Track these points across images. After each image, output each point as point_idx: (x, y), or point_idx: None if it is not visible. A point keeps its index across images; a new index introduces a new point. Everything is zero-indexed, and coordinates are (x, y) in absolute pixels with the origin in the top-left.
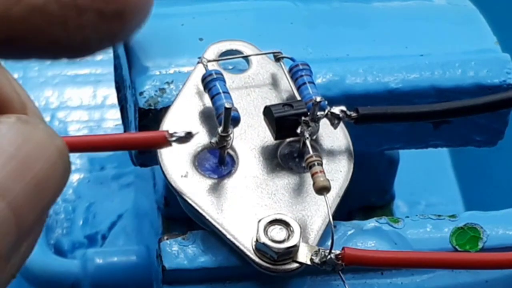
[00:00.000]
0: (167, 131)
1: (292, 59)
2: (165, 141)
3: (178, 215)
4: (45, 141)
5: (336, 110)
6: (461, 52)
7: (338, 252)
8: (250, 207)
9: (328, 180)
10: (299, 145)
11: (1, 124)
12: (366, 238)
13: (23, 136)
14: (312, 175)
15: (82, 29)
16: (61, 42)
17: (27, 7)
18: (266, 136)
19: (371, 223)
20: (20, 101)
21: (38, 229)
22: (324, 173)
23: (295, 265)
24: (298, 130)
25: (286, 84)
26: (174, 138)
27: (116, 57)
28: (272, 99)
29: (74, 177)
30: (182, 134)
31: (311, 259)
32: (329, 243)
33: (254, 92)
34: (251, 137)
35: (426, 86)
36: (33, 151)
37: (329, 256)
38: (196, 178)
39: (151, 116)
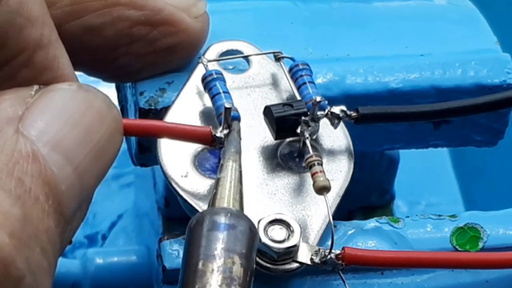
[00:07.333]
0: (212, 127)
1: (292, 59)
2: (210, 138)
3: (178, 215)
4: (104, 109)
5: (336, 110)
6: (461, 52)
7: (338, 252)
8: (250, 207)
9: (328, 180)
10: (299, 145)
11: (65, 91)
12: (366, 238)
13: (86, 104)
14: (312, 175)
15: (127, 55)
16: (102, 64)
17: (81, 26)
18: (266, 136)
19: (371, 223)
20: (75, 74)
21: (91, 198)
22: (324, 173)
23: (295, 265)
24: (298, 130)
25: (286, 84)
26: (217, 134)
27: None
28: (272, 99)
29: None
30: (222, 136)
31: (311, 259)
32: (329, 243)
33: (254, 92)
34: (251, 137)
35: (426, 86)
36: (95, 119)
37: (329, 256)
38: (196, 178)
39: (151, 116)
